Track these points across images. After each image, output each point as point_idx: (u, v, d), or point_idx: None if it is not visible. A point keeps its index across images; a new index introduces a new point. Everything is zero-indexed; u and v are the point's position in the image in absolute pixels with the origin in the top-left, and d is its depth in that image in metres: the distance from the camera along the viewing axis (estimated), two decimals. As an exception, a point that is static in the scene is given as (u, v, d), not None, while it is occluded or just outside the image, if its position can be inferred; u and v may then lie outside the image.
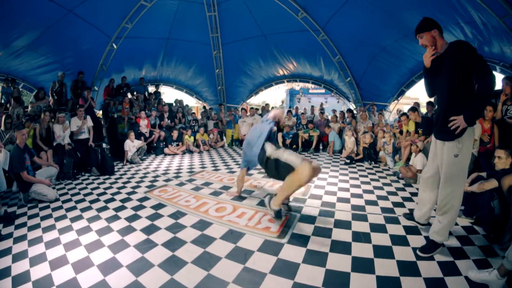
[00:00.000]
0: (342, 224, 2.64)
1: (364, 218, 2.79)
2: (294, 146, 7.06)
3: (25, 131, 3.77)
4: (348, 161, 5.61)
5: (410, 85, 8.36)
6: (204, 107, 11.07)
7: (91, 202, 3.51)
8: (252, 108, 8.61)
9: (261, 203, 3.23)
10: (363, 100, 9.23)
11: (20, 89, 7.71)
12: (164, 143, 7.14)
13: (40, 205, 3.46)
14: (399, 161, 4.93)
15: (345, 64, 8.65)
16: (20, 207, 3.47)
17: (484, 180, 2.50)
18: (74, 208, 3.32)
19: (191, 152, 7.23)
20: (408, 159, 4.57)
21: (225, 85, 10.91)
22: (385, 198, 3.42)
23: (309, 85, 11.83)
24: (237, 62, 9.96)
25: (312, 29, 7.89)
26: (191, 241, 2.37)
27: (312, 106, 10.35)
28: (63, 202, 3.56)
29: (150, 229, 2.62)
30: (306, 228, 2.56)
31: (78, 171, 5.06)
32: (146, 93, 9.25)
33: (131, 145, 6.07)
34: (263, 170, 4.91)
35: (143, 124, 7.04)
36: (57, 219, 2.99)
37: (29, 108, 6.47)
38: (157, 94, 9.65)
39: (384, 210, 3.01)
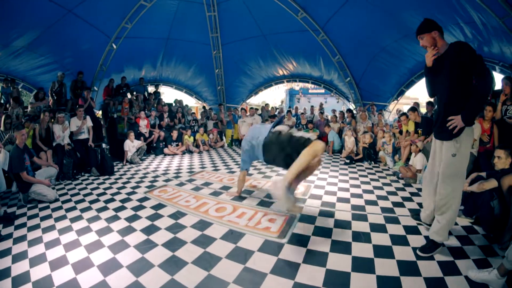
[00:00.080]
0: (342, 224, 2.65)
1: (364, 218, 2.79)
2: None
3: (24, 131, 3.76)
4: (348, 161, 5.62)
5: (409, 85, 8.36)
6: (203, 107, 11.07)
7: (91, 202, 3.51)
8: (251, 108, 8.61)
9: (261, 203, 3.23)
10: (363, 100, 9.24)
11: (20, 89, 7.69)
12: (163, 143, 7.13)
13: (40, 206, 3.46)
14: (398, 161, 4.94)
15: (344, 64, 8.66)
16: (20, 208, 3.46)
17: (483, 180, 2.50)
18: (74, 208, 3.31)
19: (190, 152, 7.23)
20: (408, 159, 4.57)
21: (225, 85, 10.91)
22: (385, 198, 3.42)
23: (309, 85, 11.86)
24: (236, 62, 9.95)
25: (311, 29, 7.90)
26: (191, 241, 2.37)
27: (312, 106, 10.35)
28: (63, 202, 3.56)
29: (150, 230, 2.62)
30: (307, 228, 2.56)
31: (77, 172, 5.06)
32: (146, 93, 9.25)
33: (131, 145, 6.07)
34: (263, 170, 4.94)
35: (143, 124, 7.04)
36: (57, 219, 2.99)
37: (29, 109, 6.46)
38: (157, 94, 9.65)
39: (384, 210, 3.01)
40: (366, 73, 8.57)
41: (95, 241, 2.42)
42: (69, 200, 3.63)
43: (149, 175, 4.88)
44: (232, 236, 2.45)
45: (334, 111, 9.16)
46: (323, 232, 2.48)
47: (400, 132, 5.50)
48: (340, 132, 7.12)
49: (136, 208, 3.20)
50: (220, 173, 4.88)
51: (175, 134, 7.19)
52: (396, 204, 3.18)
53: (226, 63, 10.00)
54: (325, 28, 7.80)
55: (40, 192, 3.53)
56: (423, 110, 7.46)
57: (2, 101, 6.43)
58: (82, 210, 3.22)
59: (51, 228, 2.77)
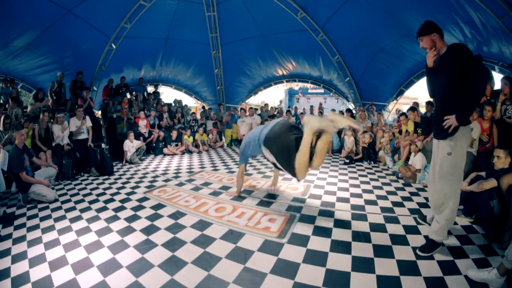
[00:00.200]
0: (342, 224, 2.65)
1: (363, 217, 2.79)
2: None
3: (24, 131, 3.75)
4: (347, 160, 5.62)
5: (409, 85, 8.37)
6: (203, 107, 11.07)
7: (91, 202, 3.50)
8: (251, 108, 8.61)
9: (261, 203, 3.23)
10: (362, 100, 9.24)
11: (19, 89, 7.69)
12: (163, 143, 7.12)
13: (39, 206, 3.45)
14: (398, 160, 4.94)
15: (344, 64, 8.66)
16: (19, 208, 3.46)
17: (483, 180, 2.50)
18: (73, 208, 3.31)
19: (190, 152, 7.22)
20: (408, 158, 4.58)
21: (224, 85, 10.90)
22: (384, 197, 3.42)
23: (308, 85, 11.84)
24: (236, 62, 9.95)
25: (311, 29, 7.90)
26: (191, 241, 2.37)
27: (311, 106, 10.35)
28: (62, 202, 3.55)
29: (149, 230, 2.61)
30: (306, 228, 2.56)
31: (77, 172, 5.05)
32: (145, 93, 9.24)
33: (130, 145, 6.06)
34: (262, 170, 4.94)
35: (142, 124, 7.03)
36: (57, 219, 2.98)
37: (28, 109, 6.45)
38: (156, 94, 9.64)
39: (383, 209, 3.01)
40: (366, 73, 8.58)
41: (94, 241, 2.42)
42: (68, 200, 3.62)
43: (148, 175, 4.87)
44: (232, 236, 2.45)
45: (333, 110, 9.15)
46: (323, 232, 2.48)
47: (400, 132, 5.51)
48: (339, 132, 7.12)
49: (135, 208, 3.19)
50: (219, 173, 4.88)
51: (174, 134, 7.19)
52: (396, 204, 3.18)
53: (226, 63, 10.00)
54: (325, 28, 7.81)
55: (40, 193, 3.52)
56: (422, 110, 7.46)
57: (1, 101, 6.42)
58: (82, 210, 3.21)
59: (50, 228, 2.76)
